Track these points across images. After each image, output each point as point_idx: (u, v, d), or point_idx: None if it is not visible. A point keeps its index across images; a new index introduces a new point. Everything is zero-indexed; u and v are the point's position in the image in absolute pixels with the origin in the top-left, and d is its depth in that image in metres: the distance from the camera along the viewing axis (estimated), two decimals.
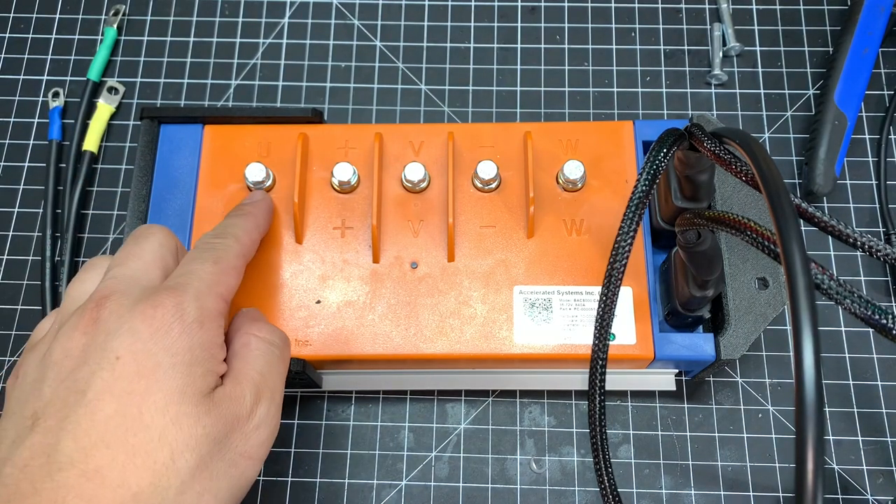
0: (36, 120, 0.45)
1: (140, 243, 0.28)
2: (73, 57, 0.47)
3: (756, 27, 0.46)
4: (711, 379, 0.40)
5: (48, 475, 0.22)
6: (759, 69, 0.45)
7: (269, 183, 0.37)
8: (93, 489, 0.22)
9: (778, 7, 0.47)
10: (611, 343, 0.34)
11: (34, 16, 0.48)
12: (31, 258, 0.42)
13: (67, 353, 0.25)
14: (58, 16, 0.48)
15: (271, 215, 0.36)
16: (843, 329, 0.40)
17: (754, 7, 0.47)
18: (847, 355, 0.40)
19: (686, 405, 0.39)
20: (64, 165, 0.44)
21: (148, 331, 0.24)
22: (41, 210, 0.43)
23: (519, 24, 0.47)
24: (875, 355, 0.40)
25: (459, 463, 0.38)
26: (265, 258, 0.36)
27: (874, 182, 0.43)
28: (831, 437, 0.39)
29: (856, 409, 0.39)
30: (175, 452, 0.23)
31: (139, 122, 0.40)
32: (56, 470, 0.22)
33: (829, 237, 0.36)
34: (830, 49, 0.46)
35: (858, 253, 0.42)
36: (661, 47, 0.46)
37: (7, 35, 0.47)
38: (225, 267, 0.28)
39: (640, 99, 0.45)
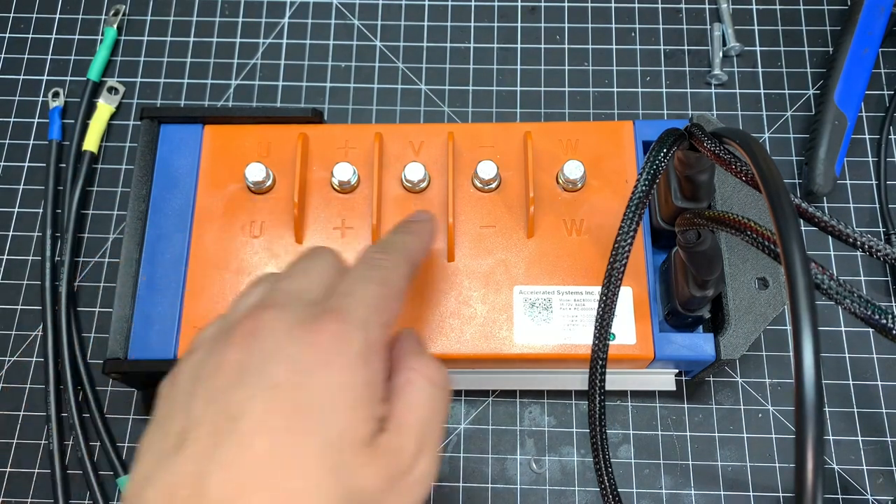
0: (36, 120, 0.45)
1: (309, 259, 0.27)
2: (73, 57, 0.47)
3: (756, 27, 0.46)
4: (711, 379, 0.40)
5: None
6: (759, 69, 0.45)
7: (269, 183, 0.37)
8: None
9: (778, 7, 0.47)
10: (611, 343, 0.34)
11: (34, 16, 0.48)
12: (31, 258, 0.42)
13: (220, 368, 0.23)
14: (58, 16, 0.48)
15: (435, 239, 0.33)
16: (843, 329, 0.40)
17: (754, 7, 0.47)
18: (847, 355, 0.40)
19: (686, 405, 0.39)
20: (64, 165, 0.44)
21: (309, 360, 0.22)
22: (41, 210, 0.43)
23: (519, 25, 0.47)
24: (875, 355, 0.40)
25: (459, 463, 0.38)
26: (264, 259, 0.36)
27: (874, 182, 0.43)
28: (831, 437, 0.39)
29: (856, 409, 0.39)
30: None
31: (139, 122, 0.40)
32: None
33: (829, 237, 0.36)
34: (830, 49, 0.46)
35: (858, 253, 0.42)
36: (661, 47, 0.46)
37: (7, 35, 0.47)
38: (392, 291, 0.26)
39: (640, 99, 0.45)
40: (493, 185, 0.37)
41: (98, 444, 0.39)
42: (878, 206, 0.43)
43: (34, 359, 0.41)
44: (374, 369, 0.24)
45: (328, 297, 0.25)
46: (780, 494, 0.38)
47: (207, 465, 0.21)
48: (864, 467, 0.38)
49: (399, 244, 0.29)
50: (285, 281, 0.26)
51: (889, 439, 0.38)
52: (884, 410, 0.39)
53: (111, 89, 0.45)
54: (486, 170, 0.36)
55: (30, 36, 0.47)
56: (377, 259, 0.27)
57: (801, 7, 0.47)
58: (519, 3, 0.47)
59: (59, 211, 0.43)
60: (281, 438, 0.21)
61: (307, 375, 0.22)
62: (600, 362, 0.30)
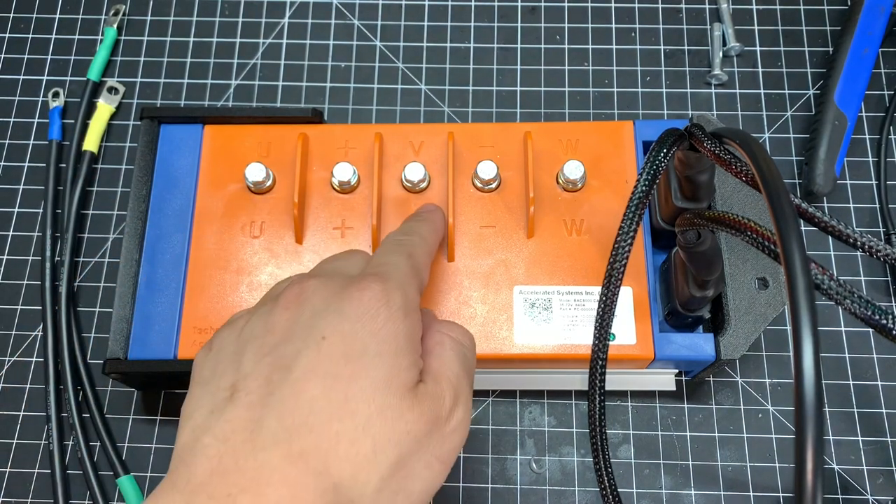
0: (36, 120, 0.45)
1: (343, 253, 0.29)
2: (73, 57, 0.47)
3: (756, 27, 0.46)
4: (711, 379, 0.40)
5: (251, 452, 0.21)
6: (759, 69, 0.45)
7: (269, 183, 0.37)
8: (296, 474, 0.21)
9: (778, 7, 0.47)
10: (611, 343, 0.34)
11: (34, 16, 0.48)
12: (31, 258, 0.42)
13: (269, 329, 0.24)
14: (58, 16, 0.48)
15: (445, 226, 0.35)
16: (843, 329, 0.40)
17: (754, 7, 0.47)
18: (847, 355, 0.40)
19: (686, 405, 0.39)
20: (64, 165, 0.44)
21: (355, 313, 0.24)
22: (41, 210, 0.43)
23: (519, 24, 0.47)
24: (875, 355, 0.40)
25: (459, 463, 0.38)
26: (264, 259, 0.36)
27: (874, 182, 0.43)
28: (831, 437, 0.39)
29: (856, 409, 0.39)
30: (377, 445, 0.22)
31: (139, 122, 0.40)
32: (259, 448, 0.21)
33: (829, 237, 0.36)
34: (830, 49, 0.46)
35: (858, 253, 0.42)
36: (661, 47, 0.46)
37: (7, 35, 0.47)
38: (418, 262, 0.28)
39: (640, 99, 0.45)
40: (493, 185, 0.37)
41: (98, 444, 0.39)
42: (878, 206, 0.43)
43: (34, 359, 0.41)
44: (414, 324, 0.25)
45: (364, 271, 0.27)
46: (780, 494, 0.38)
47: (261, 410, 0.22)
48: (864, 467, 0.38)
49: (416, 228, 0.31)
50: (323, 264, 0.28)
51: (889, 439, 0.38)
52: (884, 410, 0.39)
53: (111, 89, 0.45)
54: (486, 170, 0.36)
55: (30, 36, 0.47)
56: (400, 239, 0.30)
57: (801, 7, 0.47)
58: (519, 3, 0.47)
59: (59, 211, 0.43)
60: (332, 383, 0.22)
61: (353, 325, 0.23)
62: (600, 362, 0.30)
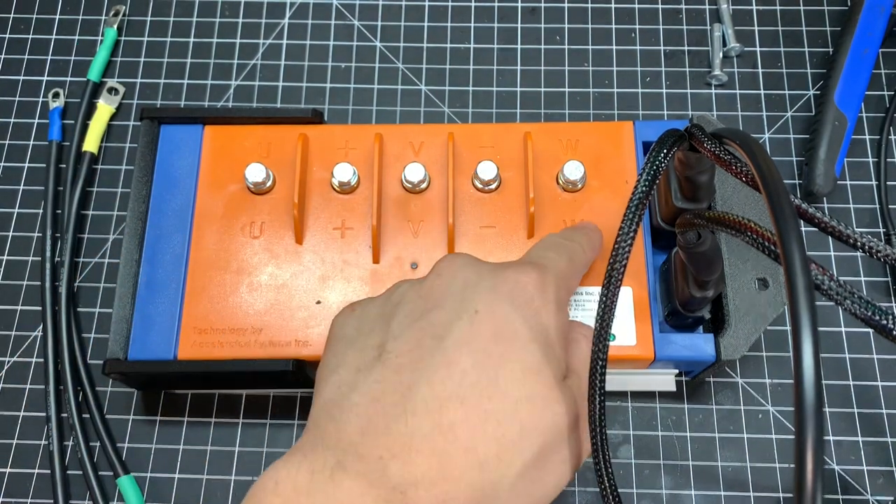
0: (36, 120, 0.45)
1: None
2: (73, 57, 0.47)
3: (756, 28, 0.46)
4: (711, 379, 0.40)
5: (401, 416, 0.21)
6: (760, 70, 0.45)
7: (269, 183, 0.37)
8: (444, 445, 0.21)
9: (778, 7, 0.47)
10: (611, 343, 0.34)
11: (34, 16, 0.48)
12: (31, 258, 0.42)
13: (421, 294, 0.24)
14: (58, 16, 0.48)
15: (601, 248, 0.33)
16: (843, 329, 0.40)
17: (754, 7, 0.47)
18: (847, 355, 0.40)
19: (686, 405, 0.39)
20: (64, 166, 0.44)
21: (508, 294, 0.23)
22: (41, 211, 0.43)
23: (519, 25, 0.47)
24: (875, 355, 0.40)
25: None
26: (264, 259, 0.36)
27: (874, 182, 0.43)
28: (831, 437, 0.39)
29: (856, 409, 0.39)
30: (524, 431, 0.22)
31: (139, 123, 0.40)
32: (410, 413, 0.21)
33: (829, 237, 0.36)
34: (830, 49, 0.46)
35: (858, 253, 0.42)
36: (661, 48, 0.46)
37: (7, 35, 0.47)
38: (575, 268, 0.27)
39: (640, 99, 0.45)
40: (493, 186, 0.37)
41: (98, 444, 0.39)
42: (878, 206, 0.43)
43: (34, 359, 0.41)
44: (564, 319, 0.25)
45: (521, 259, 0.26)
46: (780, 494, 0.38)
47: (413, 375, 0.22)
48: (864, 467, 0.38)
49: (578, 237, 0.30)
50: None
51: (889, 439, 0.38)
52: (884, 410, 0.39)
53: (111, 90, 0.45)
54: (486, 170, 0.36)
55: (30, 37, 0.47)
56: (561, 241, 0.28)
57: (801, 7, 0.47)
58: (519, 4, 0.47)
59: (59, 211, 0.43)
60: (483, 360, 0.22)
61: (506, 305, 0.23)
62: (600, 363, 0.30)
